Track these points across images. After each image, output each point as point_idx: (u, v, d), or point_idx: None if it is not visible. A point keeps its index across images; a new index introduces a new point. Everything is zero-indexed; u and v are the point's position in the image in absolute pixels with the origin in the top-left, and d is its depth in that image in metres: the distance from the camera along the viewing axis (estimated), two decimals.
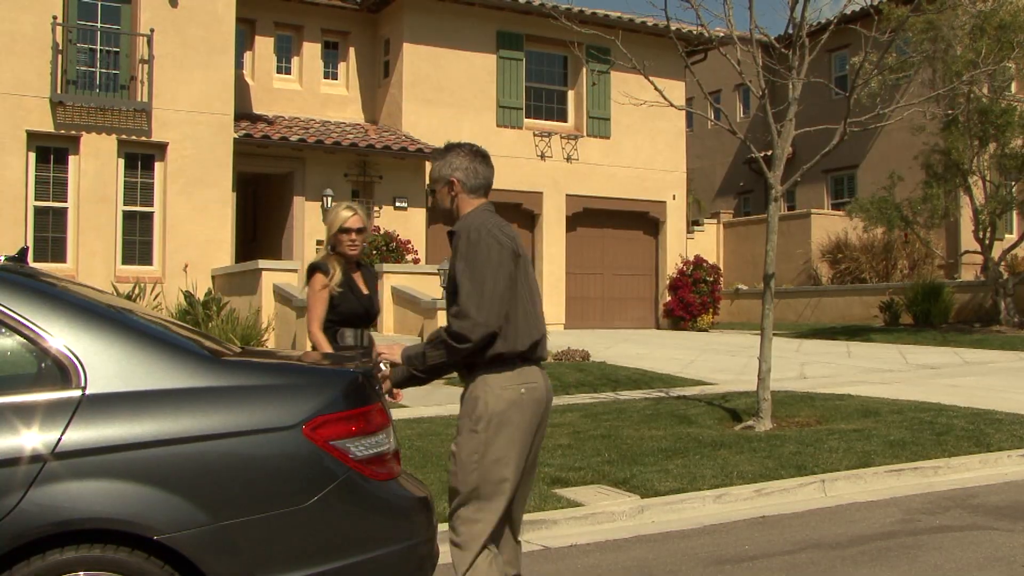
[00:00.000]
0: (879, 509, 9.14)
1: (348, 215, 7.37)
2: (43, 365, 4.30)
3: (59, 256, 22.20)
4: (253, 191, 28.97)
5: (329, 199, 25.29)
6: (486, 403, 5.05)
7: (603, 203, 30.50)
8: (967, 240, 30.59)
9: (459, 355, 5.01)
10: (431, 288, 21.52)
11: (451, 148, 5.42)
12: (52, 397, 4.21)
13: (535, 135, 30.25)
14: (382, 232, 25.50)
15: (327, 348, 7.20)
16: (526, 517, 8.61)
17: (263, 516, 4.25)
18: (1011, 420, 12.45)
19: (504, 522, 5.20)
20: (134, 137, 22.85)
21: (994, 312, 26.65)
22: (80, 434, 4.13)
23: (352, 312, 7.33)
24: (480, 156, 5.41)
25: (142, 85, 23.00)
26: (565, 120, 31.29)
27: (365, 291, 7.44)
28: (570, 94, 31.43)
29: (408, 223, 27.19)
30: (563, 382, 17.10)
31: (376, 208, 27.22)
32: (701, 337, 28.28)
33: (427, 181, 5.29)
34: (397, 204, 27.39)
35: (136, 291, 19.20)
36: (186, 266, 22.48)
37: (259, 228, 28.90)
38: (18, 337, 4.32)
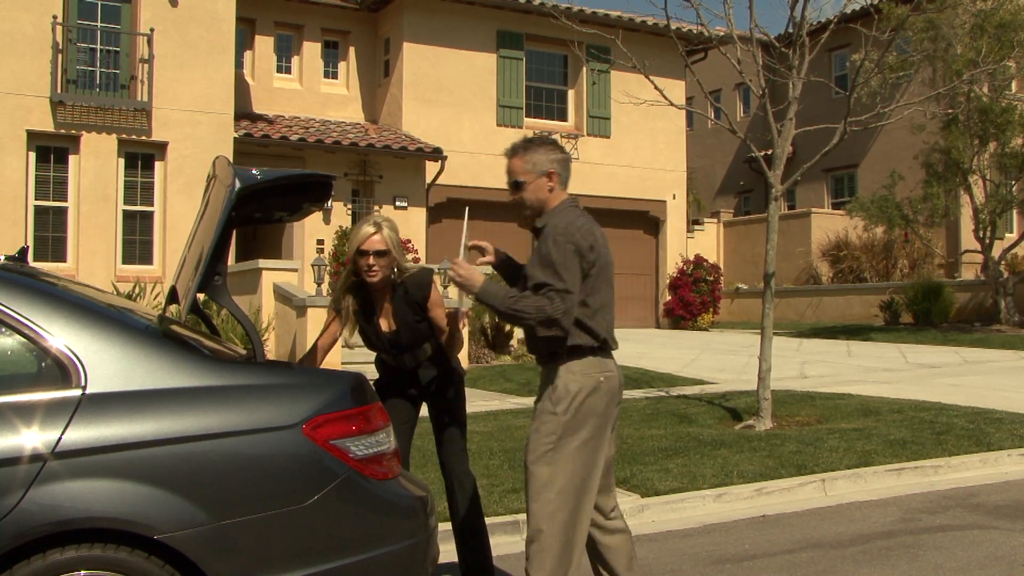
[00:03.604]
0: (879, 508, 9.14)
1: (367, 233, 6.19)
2: (43, 364, 4.29)
3: (59, 256, 22.20)
4: None
5: (329, 199, 25.30)
6: (567, 387, 5.19)
7: (603, 202, 30.48)
8: (967, 239, 30.60)
9: (531, 328, 5.21)
10: None
11: (537, 141, 5.51)
12: (52, 396, 4.21)
13: (535, 134, 30.19)
14: None
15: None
16: (525, 516, 8.62)
17: (263, 515, 4.25)
18: (1011, 419, 12.44)
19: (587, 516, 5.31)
20: (134, 136, 22.86)
21: (994, 311, 26.65)
22: (80, 433, 4.13)
23: (370, 346, 6.47)
24: (564, 149, 5.57)
25: (142, 85, 23.00)
26: (565, 119, 31.29)
27: (386, 328, 6.34)
28: (570, 93, 31.44)
29: (408, 222, 27.16)
30: None
31: (376, 207, 27.23)
32: (701, 336, 28.28)
33: (508, 175, 5.08)
34: (397, 204, 27.39)
35: (136, 291, 19.19)
36: None
37: (259, 227, 28.90)
38: (18, 336, 4.32)
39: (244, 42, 27.83)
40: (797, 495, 9.68)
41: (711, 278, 31.59)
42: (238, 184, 4.66)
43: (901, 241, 32.59)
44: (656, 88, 14.18)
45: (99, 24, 22.98)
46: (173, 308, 5.46)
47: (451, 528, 6.64)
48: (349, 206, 27.11)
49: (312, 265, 22.47)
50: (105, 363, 4.29)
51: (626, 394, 16.15)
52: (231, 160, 5.21)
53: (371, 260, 6.18)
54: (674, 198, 32.58)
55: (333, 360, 17.62)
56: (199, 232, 5.22)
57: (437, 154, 27.27)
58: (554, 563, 5.10)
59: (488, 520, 6.98)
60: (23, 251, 5.46)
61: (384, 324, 6.36)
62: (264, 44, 28.55)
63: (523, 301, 5.11)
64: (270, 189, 4.91)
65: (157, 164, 23.28)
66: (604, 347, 5.31)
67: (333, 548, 4.37)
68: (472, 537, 6.56)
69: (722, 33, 16.69)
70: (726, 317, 34.06)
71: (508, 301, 5.14)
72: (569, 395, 5.18)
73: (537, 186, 5.38)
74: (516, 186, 5.41)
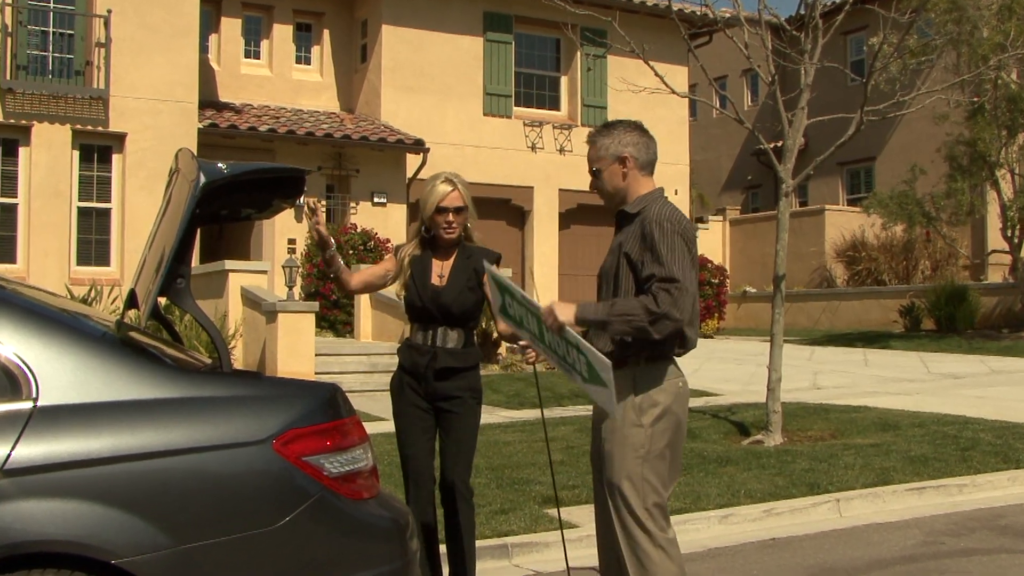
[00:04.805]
0: (899, 531, 9.16)
1: (445, 191, 6.59)
2: None
3: (8, 256, 22.16)
4: None
5: (302, 194, 25.27)
6: (653, 399, 5.30)
7: (598, 199, 30.42)
8: (994, 239, 30.64)
9: (645, 337, 5.16)
10: None
11: (615, 124, 5.70)
12: (0, 409, 4.20)
13: (525, 125, 30.28)
14: (359, 230, 25.49)
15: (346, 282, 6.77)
16: (515, 539, 8.64)
17: (230, 538, 4.24)
18: None
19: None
20: (90, 127, 22.83)
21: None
22: (31, 449, 4.11)
23: (410, 305, 6.67)
24: (646, 131, 5.70)
25: (98, 71, 22.97)
26: (558, 108, 31.32)
27: (438, 282, 6.62)
28: (563, 80, 31.46)
29: (387, 220, 27.18)
30: (556, 393, 17.12)
31: (352, 204, 27.22)
32: (706, 344, 28.25)
33: (588, 163, 5.34)
34: (375, 200, 27.39)
35: (92, 294, 19.14)
36: None
37: (225, 226, 28.84)
38: None
39: (209, 24, 27.79)
40: (809, 516, 9.70)
41: (716, 280, 31.60)
42: (203, 179, 4.66)
43: (922, 241, 32.62)
44: (656, 75, 14.18)
45: (52, 5, 22.95)
46: (132, 313, 5.45)
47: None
48: (323, 202, 27.08)
49: (283, 267, 22.49)
50: (58, 373, 4.28)
51: None
52: (195, 153, 5.20)
53: (451, 217, 6.60)
54: (676, 194, 32.56)
55: (306, 370, 17.63)
56: (160, 231, 5.22)
57: (419, 146, 27.27)
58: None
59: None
60: None
61: (437, 277, 6.68)
62: (231, 27, 28.51)
63: (624, 303, 5.18)
64: (237, 184, 4.91)
65: (115, 157, 23.25)
66: (679, 353, 5.46)
67: (305, 573, 4.37)
68: (468, 559, 6.68)
69: (728, 15, 16.69)
70: (732, 323, 34.09)
71: (608, 310, 5.19)
72: (657, 406, 5.30)
73: (611, 173, 5.56)
74: (593, 175, 5.64)
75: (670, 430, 5.33)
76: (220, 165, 4.76)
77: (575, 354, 5.20)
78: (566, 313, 5.19)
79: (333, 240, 6.63)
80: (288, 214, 25.77)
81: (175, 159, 5.32)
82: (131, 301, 5.37)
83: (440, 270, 6.67)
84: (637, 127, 5.64)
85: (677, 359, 5.47)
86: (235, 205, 5.38)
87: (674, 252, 5.15)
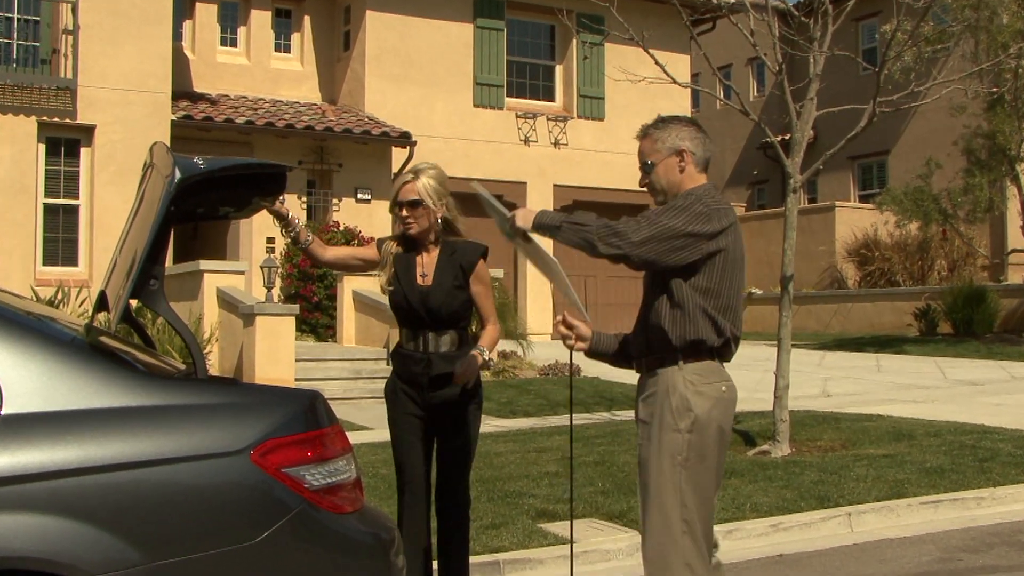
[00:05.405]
0: (913, 546, 9.16)
1: (402, 181, 6.59)
2: None
3: None
4: None
5: (283, 191, 25.24)
6: (688, 401, 5.23)
7: (596, 195, 30.41)
8: (1015, 237, 30.65)
9: (593, 253, 5.23)
10: None
11: (671, 119, 5.60)
12: None
13: (518, 116, 30.24)
14: (341, 228, 25.46)
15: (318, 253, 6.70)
16: (508, 556, 8.63)
17: (205, 554, 4.23)
18: None
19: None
20: (57, 119, 22.77)
21: None
22: None
23: (397, 307, 6.64)
24: (703, 128, 5.60)
25: (66, 59, 22.92)
26: (552, 99, 31.28)
27: (423, 281, 6.57)
28: (558, 69, 31.43)
29: (372, 218, 27.12)
30: (551, 400, 17.10)
31: (335, 201, 27.18)
32: None
33: (640, 158, 5.28)
34: (359, 196, 27.33)
35: (59, 296, 19.12)
36: None
37: (200, 224, 28.79)
38: None
39: (183, 11, 27.69)
40: (819, 531, 9.69)
41: None
42: (178, 174, 4.64)
43: (939, 239, 32.63)
44: (657, 63, 14.19)
45: None
46: (102, 316, 5.44)
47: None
48: (304, 199, 27.00)
49: (261, 267, 22.42)
50: (23, 380, 4.27)
51: (624, 416, 16.18)
52: (169, 146, 5.19)
53: (405, 211, 6.51)
54: None
55: (286, 376, 17.61)
56: (132, 229, 5.21)
57: (405, 139, 27.23)
58: None
59: None
60: None
61: (420, 276, 6.60)
62: (206, 13, 28.43)
63: (582, 214, 5.19)
64: (215, 180, 4.89)
65: (83, 151, 23.20)
66: (722, 351, 5.37)
67: None
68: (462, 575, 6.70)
69: (732, 0, 16.69)
70: None
71: (563, 217, 5.22)
72: (693, 410, 5.22)
73: (667, 166, 5.49)
74: (645, 169, 5.58)
75: (710, 437, 5.25)
76: (197, 160, 4.75)
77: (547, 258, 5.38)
78: (526, 219, 5.25)
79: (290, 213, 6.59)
80: (267, 213, 25.69)
81: (149, 153, 5.30)
82: (101, 303, 5.35)
83: (423, 268, 6.61)
84: (694, 123, 5.58)
85: (722, 360, 5.40)
86: (212, 202, 5.37)
87: (672, 212, 5.18)
